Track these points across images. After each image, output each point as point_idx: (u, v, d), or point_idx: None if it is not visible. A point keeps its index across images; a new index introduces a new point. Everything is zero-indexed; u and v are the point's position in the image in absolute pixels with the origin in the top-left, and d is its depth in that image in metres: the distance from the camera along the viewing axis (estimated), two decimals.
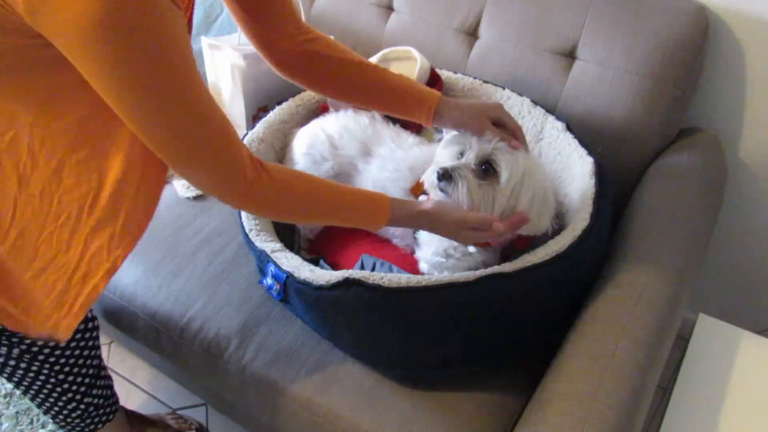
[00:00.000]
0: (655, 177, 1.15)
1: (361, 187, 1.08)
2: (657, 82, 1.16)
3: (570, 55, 1.25)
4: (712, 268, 1.49)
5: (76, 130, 0.71)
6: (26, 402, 1.48)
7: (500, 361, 1.00)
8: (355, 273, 0.88)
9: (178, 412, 1.45)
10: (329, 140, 1.16)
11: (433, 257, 1.04)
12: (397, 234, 1.14)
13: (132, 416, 1.31)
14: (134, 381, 1.55)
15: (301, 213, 0.85)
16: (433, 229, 0.91)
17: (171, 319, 1.11)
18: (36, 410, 1.46)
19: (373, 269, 1.08)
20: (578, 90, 1.24)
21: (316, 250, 1.19)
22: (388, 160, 1.11)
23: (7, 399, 1.49)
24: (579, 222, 0.93)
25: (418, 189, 1.04)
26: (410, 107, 0.97)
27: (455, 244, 1.01)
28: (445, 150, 0.98)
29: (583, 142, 1.10)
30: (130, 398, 1.50)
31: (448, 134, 1.00)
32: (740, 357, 1.09)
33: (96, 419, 1.06)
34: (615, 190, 1.05)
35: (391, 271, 1.08)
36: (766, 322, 1.48)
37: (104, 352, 1.61)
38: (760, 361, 1.09)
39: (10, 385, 1.51)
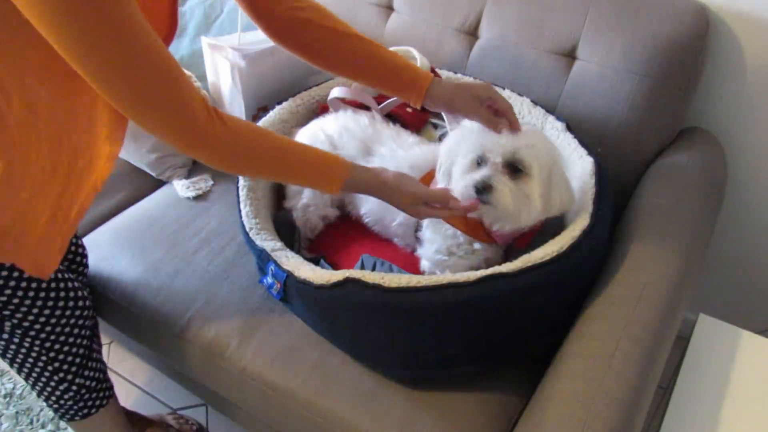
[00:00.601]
0: (656, 177, 1.15)
1: None
2: (657, 82, 1.16)
3: (570, 55, 1.25)
4: (713, 268, 1.49)
5: (45, 70, 0.72)
6: (26, 402, 1.48)
7: (500, 362, 1.00)
8: (355, 273, 0.89)
9: (178, 412, 1.45)
10: (329, 140, 1.16)
11: (436, 255, 1.04)
12: (398, 234, 1.15)
13: (132, 416, 1.31)
14: (134, 381, 1.55)
15: (256, 166, 0.84)
16: (389, 199, 0.91)
17: (171, 319, 1.11)
18: (36, 410, 1.46)
19: (373, 269, 1.08)
20: (578, 90, 1.24)
21: (316, 250, 1.19)
22: (388, 159, 1.11)
23: (7, 399, 1.49)
24: (579, 222, 0.93)
25: (427, 182, 1.03)
26: (402, 84, 0.97)
27: (459, 241, 1.02)
28: (462, 159, 0.95)
29: (583, 142, 1.10)
30: (130, 398, 1.50)
31: (450, 132, 1.00)
32: (740, 357, 1.09)
33: (89, 403, 1.06)
34: (615, 190, 1.05)
35: (391, 270, 1.08)
36: (766, 322, 1.48)
37: (104, 352, 1.61)
38: (760, 361, 1.09)
39: (10, 385, 1.51)
